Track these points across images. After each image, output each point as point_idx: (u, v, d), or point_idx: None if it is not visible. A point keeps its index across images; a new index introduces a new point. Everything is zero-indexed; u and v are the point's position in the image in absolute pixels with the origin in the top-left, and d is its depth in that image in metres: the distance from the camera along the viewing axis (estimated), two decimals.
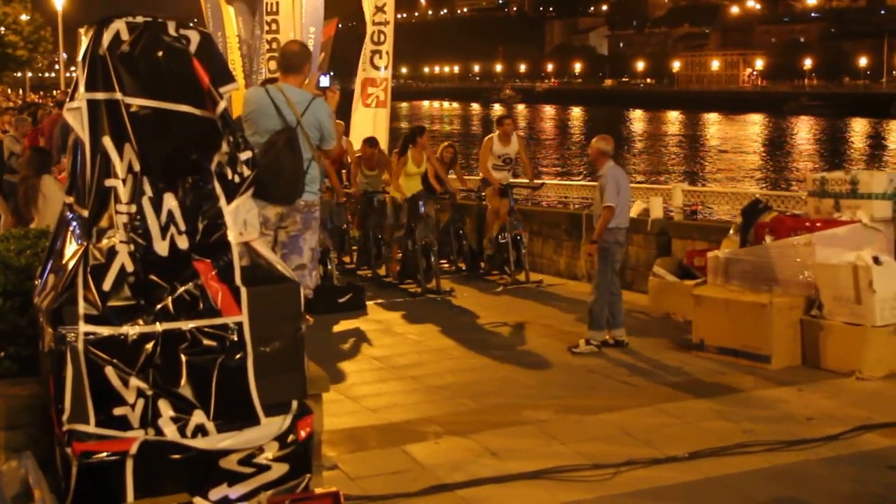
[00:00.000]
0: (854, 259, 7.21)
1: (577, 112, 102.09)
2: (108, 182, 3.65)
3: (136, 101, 3.71)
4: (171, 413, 3.58)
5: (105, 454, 3.48)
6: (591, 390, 6.88)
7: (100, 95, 3.69)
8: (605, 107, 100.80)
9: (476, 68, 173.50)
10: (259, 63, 14.45)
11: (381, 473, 5.16)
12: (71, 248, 3.69)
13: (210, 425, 3.63)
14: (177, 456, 3.57)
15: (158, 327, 3.59)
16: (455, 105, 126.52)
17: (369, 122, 14.01)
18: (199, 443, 3.60)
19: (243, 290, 3.72)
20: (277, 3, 13.58)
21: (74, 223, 3.73)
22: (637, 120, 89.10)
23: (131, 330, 3.55)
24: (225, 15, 15.05)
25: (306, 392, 3.93)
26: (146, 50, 3.75)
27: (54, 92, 54.77)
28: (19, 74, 65.19)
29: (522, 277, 11.06)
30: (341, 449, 5.56)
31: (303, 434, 3.81)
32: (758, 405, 6.41)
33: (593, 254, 8.08)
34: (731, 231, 8.84)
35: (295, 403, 3.84)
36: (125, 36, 3.74)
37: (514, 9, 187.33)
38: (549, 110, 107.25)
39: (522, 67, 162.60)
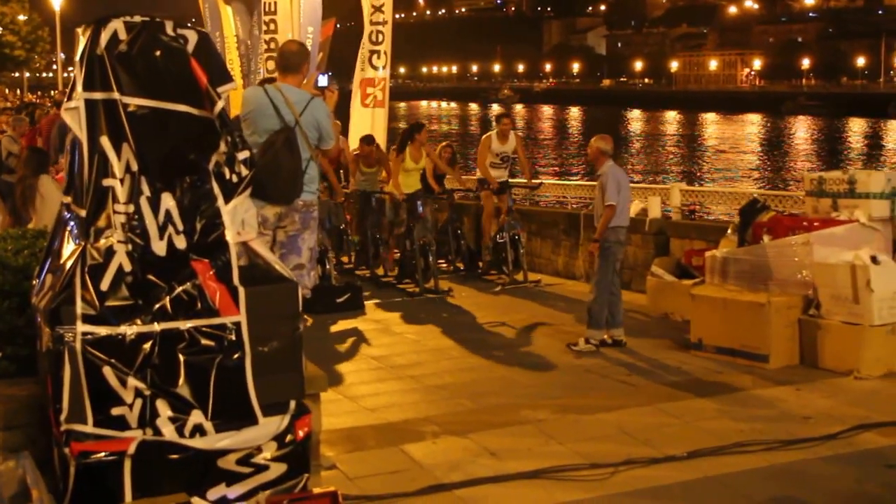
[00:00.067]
0: (852, 258, 7.21)
1: (575, 112, 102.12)
2: (106, 182, 3.64)
3: (134, 101, 3.71)
4: (169, 413, 3.58)
5: (103, 454, 3.48)
6: (590, 390, 6.88)
7: (97, 95, 3.69)
8: (603, 107, 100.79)
9: (474, 68, 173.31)
10: (257, 63, 14.47)
11: (379, 473, 5.16)
12: (69, 248, 3.68)
13: (208, 425, 3.63)
14: (175, 456, 3.57)
15: (156, 327, 3.59)
16: (453, 105, 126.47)
17: (367, 122, 14.02)
18: (198, 443, 3.60)
19: (241, 290, 3.71)
20: (275, 3, 13.60)
21: (72, 223, 3.72)
22: (635, 120, 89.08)
23: (129, 330, 3.55)
24: (223, 14, 15.07)
25: (304, 392, 3.92)
26: (144, 49, 3.75)
27: (52, 92, 54.70)
28: (17, 74, 65.20)
29: (521, 277, 11.06)
30: (339, 449, 5.56)
31: (301, 434, 3.81)
32: (756, 404, 6.40)
33: (595, 253, 8.09)
34: (729, 231, 8.83)
35: (293, 403, 3.83)
36: (123, 35, 3.73)
37: (512, 9, 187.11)
38: (547, 110, 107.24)
39: (520, 67, 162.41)
